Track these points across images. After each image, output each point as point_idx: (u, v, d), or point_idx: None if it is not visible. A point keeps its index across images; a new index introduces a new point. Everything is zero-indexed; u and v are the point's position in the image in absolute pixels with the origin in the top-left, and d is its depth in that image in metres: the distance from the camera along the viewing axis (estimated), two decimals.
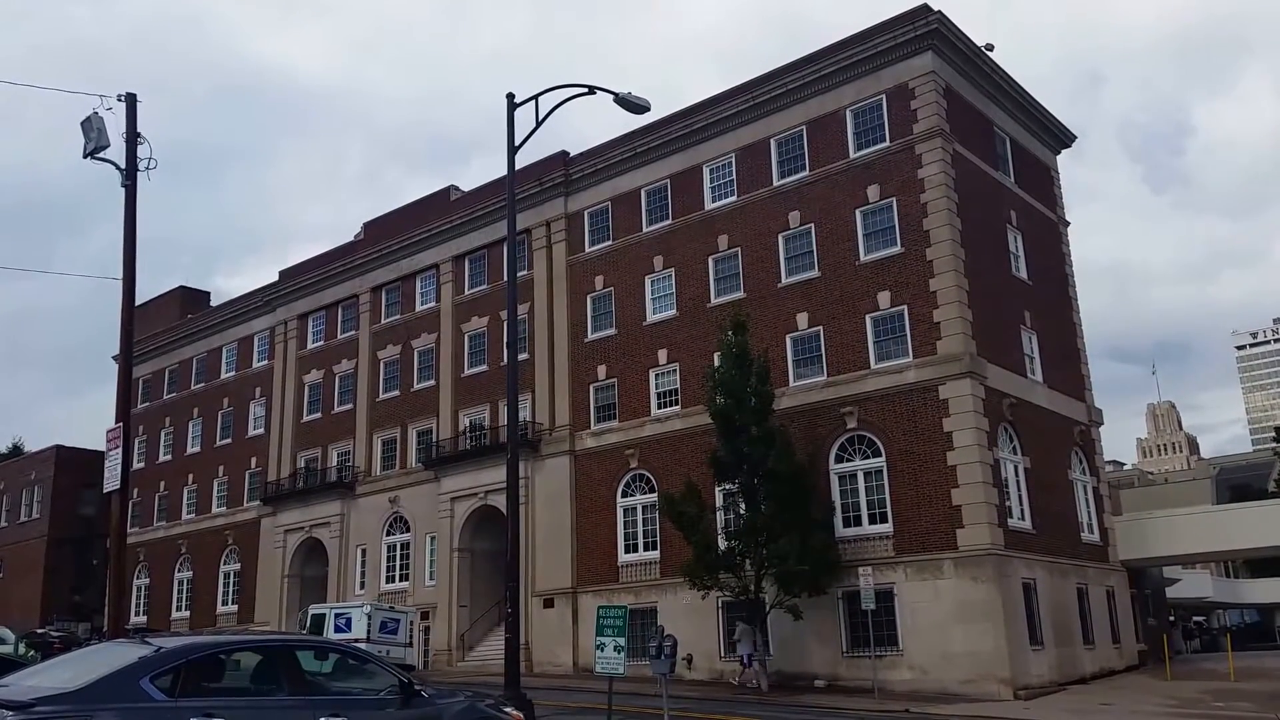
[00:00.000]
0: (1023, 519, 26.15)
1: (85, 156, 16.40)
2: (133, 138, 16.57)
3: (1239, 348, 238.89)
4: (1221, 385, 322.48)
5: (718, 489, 26.51)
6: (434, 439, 37.18)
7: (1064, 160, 34.69)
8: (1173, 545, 32.78)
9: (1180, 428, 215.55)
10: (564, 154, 35.75)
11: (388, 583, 37.79)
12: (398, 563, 37.95)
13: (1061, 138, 34.17)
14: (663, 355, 31.15)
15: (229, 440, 46.32)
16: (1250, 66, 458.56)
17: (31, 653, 27.27)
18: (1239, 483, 75.93)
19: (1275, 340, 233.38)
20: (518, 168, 18.14)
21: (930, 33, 27.03)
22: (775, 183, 29.63)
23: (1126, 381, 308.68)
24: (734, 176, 30.71)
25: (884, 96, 27.77)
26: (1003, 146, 30.45)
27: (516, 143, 17.42)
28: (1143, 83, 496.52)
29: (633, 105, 17.70)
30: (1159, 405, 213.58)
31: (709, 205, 31.10)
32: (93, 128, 16.26)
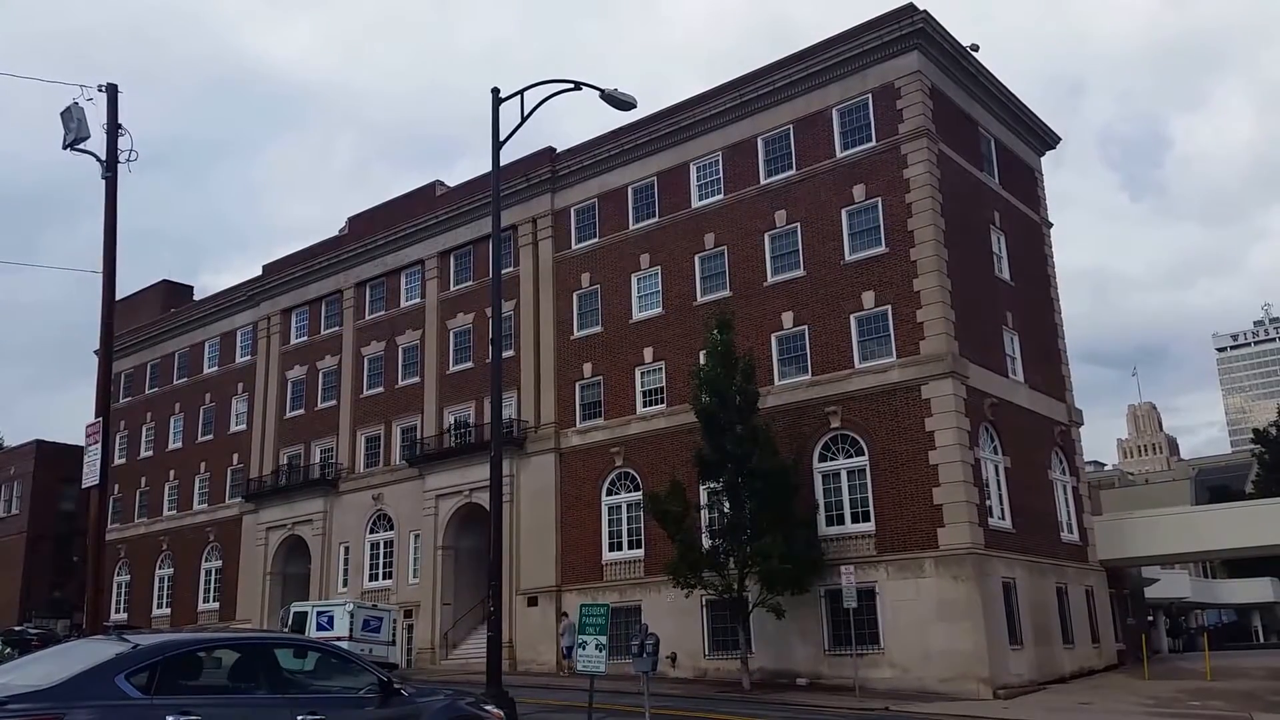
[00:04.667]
0: (1003, 518, 26.33)
1: (65, 147, 16.24)
2: (113, 129, 16.43)
3: (1219, 350, 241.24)
4: (1198, 389, 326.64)
5: (702, 487, 26.53)
6: (418, 436, 37.03)
7: (1044, 166, 34.89)
8: (1152, 545, 33.08)
9: (1160, 429, 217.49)
10: (551, 150, 35.68)
11: (371, 581, 37.64)
12: (381, 561, 37.80)
13: (1045, 139, 34.39)
14: (648, 353, 31.16)
15: (211, 436, 45.99)
16: (1225, 81, 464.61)
17: (9, 650, 27.01)
18: (1217, 484, 76.75)
19: (1256, 342, 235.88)
20: (504, 164, 18.11)
21: (916, 32, 27.13)
22: (762, 181, 29.68)
23: (1104, 385, 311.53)
24: (721, 175, 30.74)
25: (870, 96, 27.86)
26: (987, 147, 30.61)
27: (502, 138, 17.37)
28: (1122, 94, 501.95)
29: (619, 102, 17.69)
30: (1139, 406, 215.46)
31: (696, 203, 31.12)
32: (73, 118, 16.09)
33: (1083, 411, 32.78)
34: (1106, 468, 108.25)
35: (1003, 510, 26.47)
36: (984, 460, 25.99)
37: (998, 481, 26.63)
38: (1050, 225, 34.09)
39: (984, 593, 23.69)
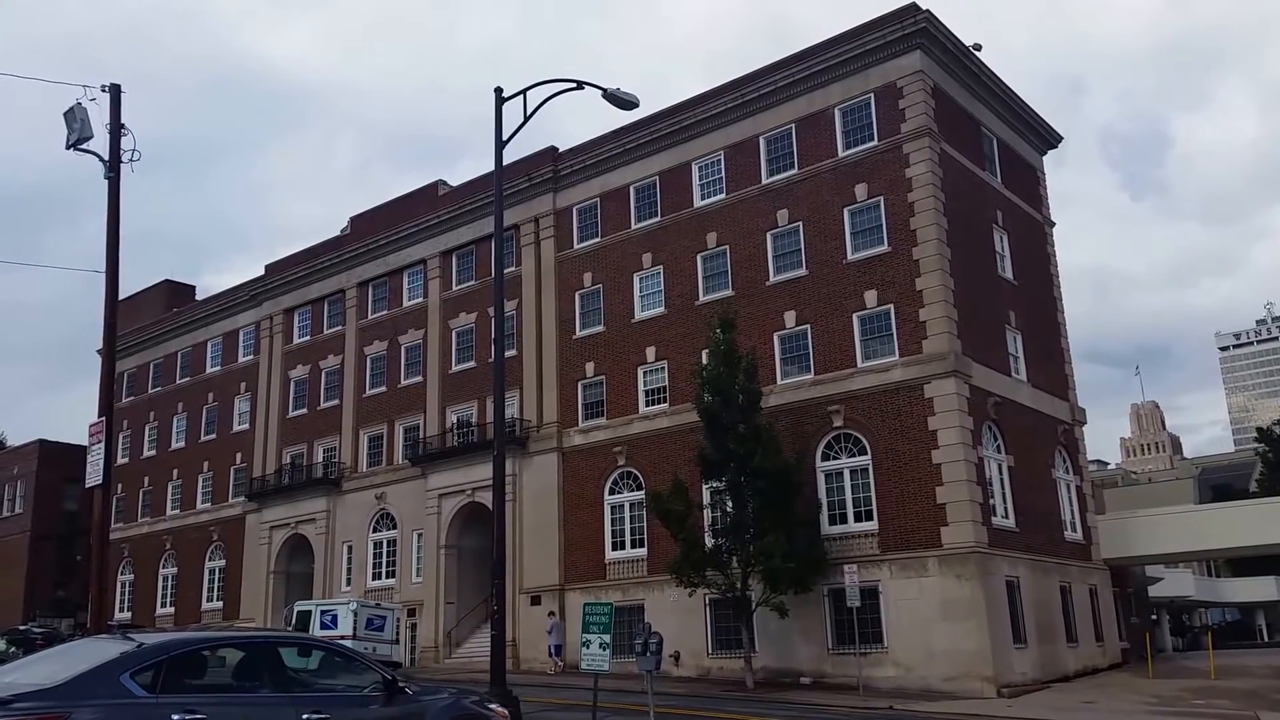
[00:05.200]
0: (1006, 517, 26.31)
1: (68, 147, 16.26)
2: (116, 129, 16.43)
3: (1222, 349, 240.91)
4: (1201, 388, 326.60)
5: (705, 486, 26.55)
6: (421, 435, 37.07)
7: (1045, 165, 34.84)
8: (1155, 544, 33.06)
9: (1164, 428, 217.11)
10: (553, 150, 35.68)
11: (374, 579, 37.68)
12: (384, 559, 37.84)
13: (1047, 138, 34.35)
14: (651, 353, 31.17)
15: (214, 436, 46.06)
16: (1227, 80, 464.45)
17: (13, 649, 27.03)
18: (1220, 483, 76.62)
19: (1259, 341, 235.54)
20: (506, 163, 18.12)
21: (918, 32, 27.10)
22: (764, 181, 29.66)
23: (1106, 384, 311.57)
24: (723, 174, 30.72)
25: (872, 95, 27.84)
26: (990, 146, 30.58)
27: (504, 137, 17.37)
28: (1123, 93, 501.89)
29: (621, 101, 17.68)
30: (1142, 405, 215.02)
31: (698, 203, 31.11)
32: (76, 119, 16.11)
33: (1086, 410, 32.74)
34: (1109, 466, 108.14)
35: (1006, 509, 26.45)
36: (987, 459, 25.96)
37: (1001, 480, 26.61)
38: (1053, 224, 34.05)
39: (987, 592, 23.67)
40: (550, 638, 29.76)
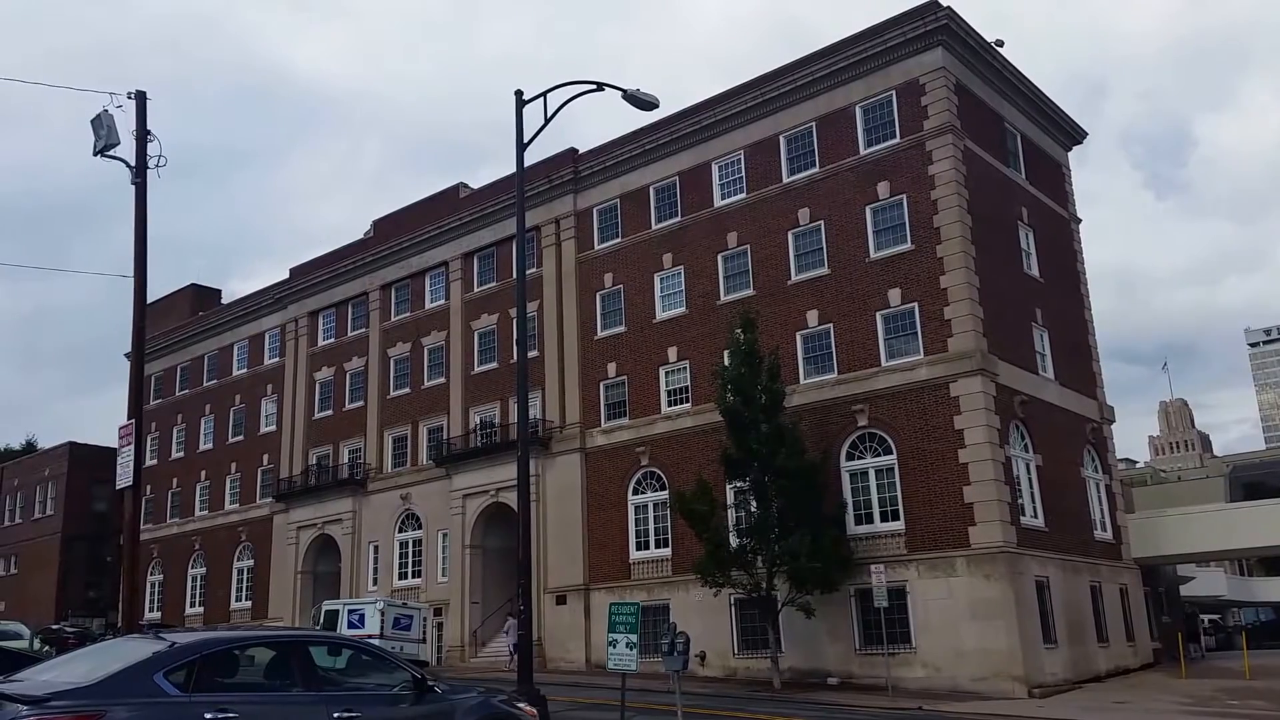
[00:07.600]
0: (1035, 517, 26.02)
1: (95, 154, 16.46)
2: (142, 135, 16.63)
3: (1252, 345, 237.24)
4: (1230, 385, 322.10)
5: (729, 486, 26.47)
6: (445, 436, 37.24)
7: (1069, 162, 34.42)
8: (1186, 543, 32.55)
9: (1193, 425, 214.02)
10: (573, 151, 35.73)
11: (400, 579, 37.91)
12: (410, 559, 38.07)
13: (1072, 134, 33.94)
14: (673, 353, 31.12)
15: (241, 437, 46.54)
16: (1251, 78, 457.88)
17: (46, 648, 27.44)
18: (1252, 480, 75.21)
19: None
20: (527, 165, 18.16)
21: (940, 28, 26.88)
22: (785, 180, 29.54)
23: (1133, 382, 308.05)
24: (743, 173, 30.63)
25: (894, 93, 27.64)
26: (1014, 143, 30.26)
27: (525, 139, 17.42)
28: (1144, 93, 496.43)
29: (641, 102, 17.67)
30: (1171, 403, 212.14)
31: (718, 202, 31.03)
32: (103, 125, 16.31)
33: (1114, 408, 32.32)
34: (1138, 465, 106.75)
35: (1035, 508, 26.16)
36: (1015, 458, 25.70)
37: (1029, 479, 26.32)
38: (1079, 221, 33.65)
39: (1017, 591, 23.43)
40: (507, 637, 30.43)
